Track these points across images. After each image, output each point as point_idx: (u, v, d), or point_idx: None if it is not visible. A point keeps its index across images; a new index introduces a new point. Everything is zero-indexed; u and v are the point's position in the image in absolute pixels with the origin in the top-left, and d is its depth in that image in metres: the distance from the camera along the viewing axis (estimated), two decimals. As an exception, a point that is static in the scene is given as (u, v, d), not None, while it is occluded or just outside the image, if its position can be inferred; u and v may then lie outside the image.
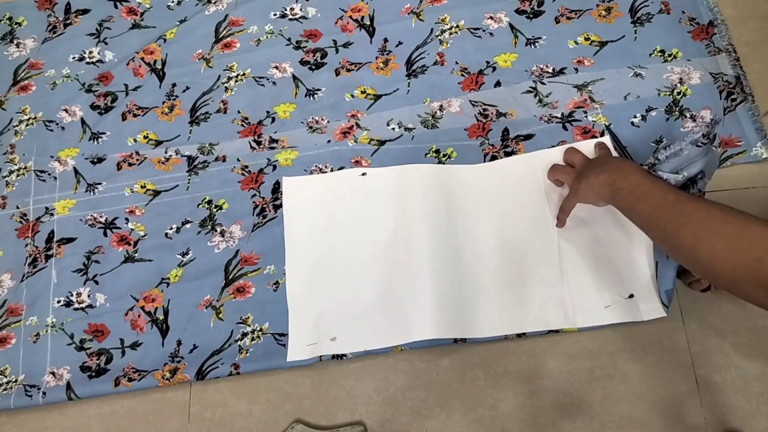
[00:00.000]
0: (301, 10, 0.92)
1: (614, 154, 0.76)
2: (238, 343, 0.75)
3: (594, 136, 0.79)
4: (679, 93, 0.81)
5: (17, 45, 0.94)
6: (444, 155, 0.81)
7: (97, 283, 0.79)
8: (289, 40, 0.90)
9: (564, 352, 0.73)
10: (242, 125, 0.86)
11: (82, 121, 0.88)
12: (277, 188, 0.82)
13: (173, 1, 0.94)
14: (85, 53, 0.92)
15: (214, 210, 0.82)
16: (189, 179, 0.84)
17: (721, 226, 0.53)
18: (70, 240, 0.82)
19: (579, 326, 0.72)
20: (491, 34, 0.87)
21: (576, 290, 0.73)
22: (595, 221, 0.75)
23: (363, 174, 0.81)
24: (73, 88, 0.90)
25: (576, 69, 0.84)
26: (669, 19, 0.85)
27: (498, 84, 0.84)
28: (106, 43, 0.93)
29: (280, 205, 0.80)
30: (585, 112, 0.81)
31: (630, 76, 0.83)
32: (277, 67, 0.89)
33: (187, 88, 0.89)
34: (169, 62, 0.91)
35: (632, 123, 0.80)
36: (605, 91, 0.82)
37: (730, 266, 0.51)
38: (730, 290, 0.53)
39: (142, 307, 0.78)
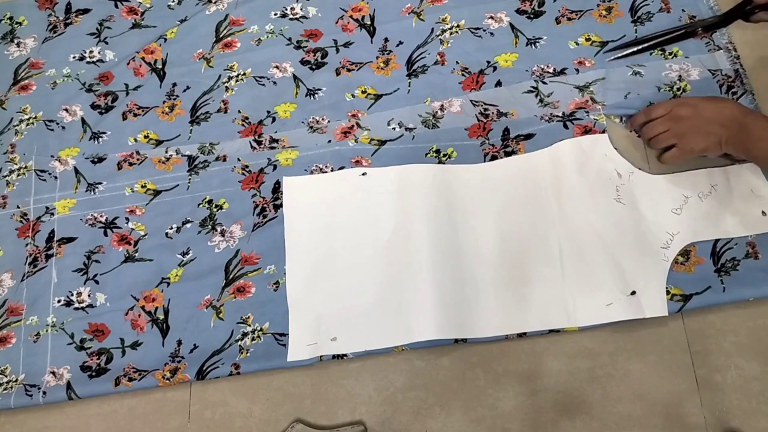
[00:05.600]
0: (301, 9, 0.92)
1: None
2: (239, 342, 0.75)
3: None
4: (678, 89, 0.81)
5: (18, 44, 0.94)
6: (444, 155, 0.81)
7: (97, 282, 0.79)
8: (289, 39, 0.90)
9: (564, 351, 0.73)
10: (243, 125, 0.86)
11: (83, 121, 0.88)
12: (277, 188, 0.82)
13: (174, 1, 0.94)
14: (85, 53, 0.92)
15: (215, 210, 0.82)
16: (189, 179, 0.84)
17: None
18: (70, 239, 0.82)
19: (580, 325, 0.72)
20: (492, 34, 0.87)
21: (577, 288, 0.73)
22: (595, 218, 0.75)
23: (363, 174, 0.81)
24: (73, 87, 0.90)
25: (577, 70, 0.84)
26: (669, 18, 0.85)
27: (499, 84, 0.84)
28: (106, 43, 0.93)
29: (281, 205, 0.80)
30: (587, 111, 0.81)
31: (629, 74, 0.83)
32: (277, 67, 0.89)
33: (188, 87, 0.89)
34: (170, 62, 0.91)
35: None
36: (606, 90, 0.82)
37: None
38: None
39: (143, 307, 0.78)
